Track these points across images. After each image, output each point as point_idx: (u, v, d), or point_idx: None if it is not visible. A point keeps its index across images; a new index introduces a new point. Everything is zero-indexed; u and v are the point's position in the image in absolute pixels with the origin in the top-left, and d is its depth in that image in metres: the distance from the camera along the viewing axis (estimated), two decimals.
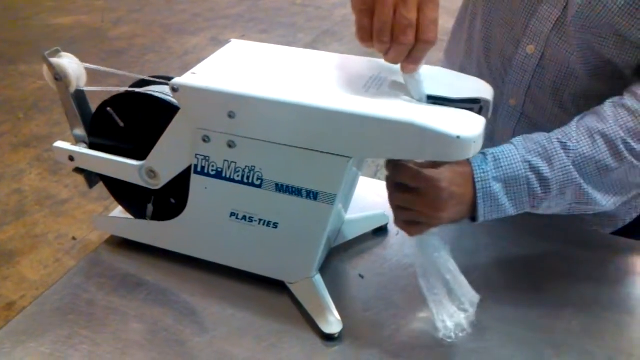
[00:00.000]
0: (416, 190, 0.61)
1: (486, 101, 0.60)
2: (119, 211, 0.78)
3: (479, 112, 0.60)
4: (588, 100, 0.73)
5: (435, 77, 0.63)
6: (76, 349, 0.62)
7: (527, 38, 0.75)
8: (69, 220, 2.10)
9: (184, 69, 0.63)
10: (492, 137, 0.85)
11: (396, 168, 0.62)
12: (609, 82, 0.72)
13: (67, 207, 2.17)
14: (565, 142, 0.64)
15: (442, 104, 0.59)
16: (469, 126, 0.55)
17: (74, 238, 2.01)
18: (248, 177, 0.64)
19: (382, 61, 0.68)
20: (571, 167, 0.64)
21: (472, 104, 0.60)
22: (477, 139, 0.54)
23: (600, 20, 0.67)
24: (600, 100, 0.70)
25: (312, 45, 3.81)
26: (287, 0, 4.68)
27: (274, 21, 4.23)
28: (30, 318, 0.66)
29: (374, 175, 2.38)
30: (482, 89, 0.62)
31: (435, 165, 0.62)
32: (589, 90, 0.74)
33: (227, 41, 0.72)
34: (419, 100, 0.59)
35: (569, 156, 0.64)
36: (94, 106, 0.72)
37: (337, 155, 0.59)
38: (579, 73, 0.73)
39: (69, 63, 0.67)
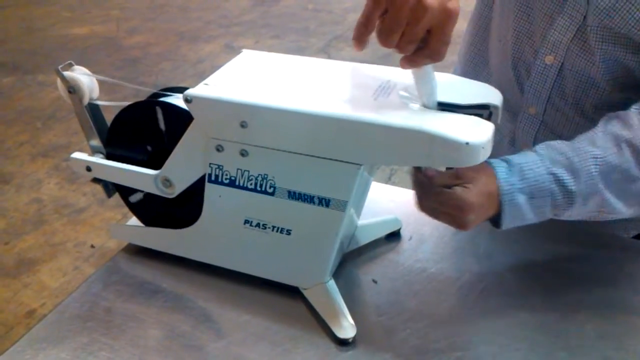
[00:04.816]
0: (442, 208, 0.63)
1: (495, 107, 0.61)
2: (135, 219, 0.79)
3: (488, 118, 0.60)
4: (611, 109, 0.73)
5: (444, 83, 0.64)
6: (95, 355, 0.64)
7: (545, 48, 0.74)
8: (87, 228, 2.14)
9: (199, 76, 0.65)
10: (513, 143, 0.85)
11: (422, 187, 0.63)
12: (632, 91, 0.72)
13: (85, 216, 2.20)
14: (592, 151, 0.64)
15: (450, 110, 0.59)
16: (478, 132, 0.55)
17: (92, 246, 2.04)
18: (261, 185, 0.65)
19: (391, 68, 0.69)
20: (597, 177, 0.63)
21: (481, 110, 0.60)
22: (486, 145, 0.55)
23: (620, 30, 0.66)
24: (625, 107, 0.69)
25: (325, 50, 3.82)
26: (299, 6, 4.71)
27: (286, 27, 4.25)
28: (50, 325, 0.68)
29: (388, 180, 2.38)
30: (490, 95, 0.62)
31: (458, 175, 0.63)
32: (612, 100, 0.73)
33: (239, 49, 0.73)
34: (426, 104, 0.59)
35: (596, 164, 0.63)
36: (107, 116, 0.73)
37: (348, 162, 0.60)
38: (601, 83, 0.72)
39: (82, 76, 0.69)
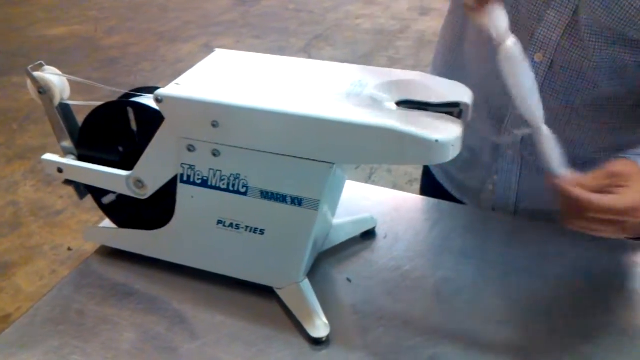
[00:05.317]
0: (606, 216, 0.58)
1: (465, 105, 0.61)
2: (109, 221, 0.78)
3: (459, 116, 0.60)
4: (603, 103, 0.73)
5: (415, 81, 0.64)
6: (67, 359, 0.63)
7: (533, 46, 0.73)
8: (64, 230, 2.11)
9: (177, 76, 0.65)
10: (497, 148, 0.84)
11: (572, 198, 0.58)
12: (626, 84, 0.71)
13: (62, 218, 2.17)
14: None
15: (421, 108, 0.60)
16: (447, 130, 0.56)
17: (69, 248, 2.02)
18: (233, 185, 0.64)
19: (364, 67, 0.69)
20: None
21: (451, 108, 0.61)
22: (455, 142, 0.55)
23: (614, 27, 0.66)
24: (616, 102, 0.69)
25: (305, 49, 3.82)
26: (280, 6, 4.70)
27: (266, 27, 4.24)
28: (21, 330, 0.67)
29: (368, 179, 2.39)
30: (461, 93, 0.62)
31: (610, 174, 0.60)
32: (603, 94, 0.73)
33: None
34: (498, 33, 0.58)
35: None
36: (82, 117, 0.73)
37: (320, 161, 0.60)
38: (594, 78, 0.71)
39: (52, 76, 0.68)
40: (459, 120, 0.58)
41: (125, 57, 3.72)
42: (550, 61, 0.73)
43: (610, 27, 0.67)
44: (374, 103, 0.60)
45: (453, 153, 0.56)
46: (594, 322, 0.67)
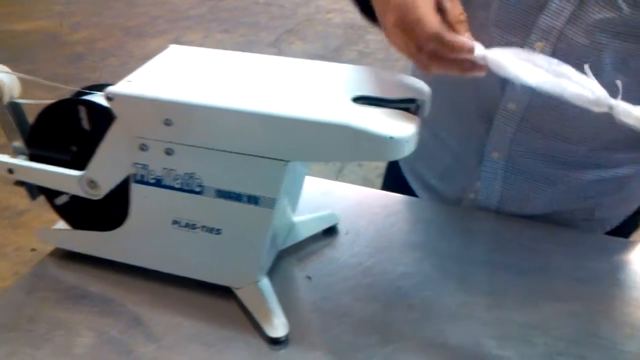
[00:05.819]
0: None
1: (422, 100, 0.61)
2: (63, 223, 0.76)
3: (415, 112, 0.60)
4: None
5: (371, 77, 0.64)
6: None
7: (534, 35, 0.70)
8: (28, 231, 2.06)
9: None
10: (482, 148, 0.82)
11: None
12: (631, 75, 0.68)
13: (25, 218, 2.12)
14: None
15: (378, 104, 0.59)
16: (402, 126, 0.55)
17: (33, 249, 1.98)
18: (188, 184, 0.63)
19: (321, 63, 0.68)
20: None
21: (408, 104, 0.60)
22: (410, 139, 0.55)
23: (628, 8, 0.63)
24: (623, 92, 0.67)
25: (275, 44, 3.80)
26: (249, 0, 4.66)
27: (236, 21, 4.21)
28: None
29: (338, 173, 2.38)
30: (418, 89, 0.62)
31: None
32: (608, 84, 0.70)
33: (188, 45, 0.71)
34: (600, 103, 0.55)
35: None
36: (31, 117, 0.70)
37: (274, 159, 0.59)
38: (597, 67, 0.67)
39: (1, 74, 0.66)
40: (415, 117, 0.58)
41: (91, 53, 3.65)
42: (551, 51, 0.70)
43: (620, 11, 0.64)
44: (329, 99, 0.59)
45: (408, 149, 0.55)
46: (547, 311, 0.68)
